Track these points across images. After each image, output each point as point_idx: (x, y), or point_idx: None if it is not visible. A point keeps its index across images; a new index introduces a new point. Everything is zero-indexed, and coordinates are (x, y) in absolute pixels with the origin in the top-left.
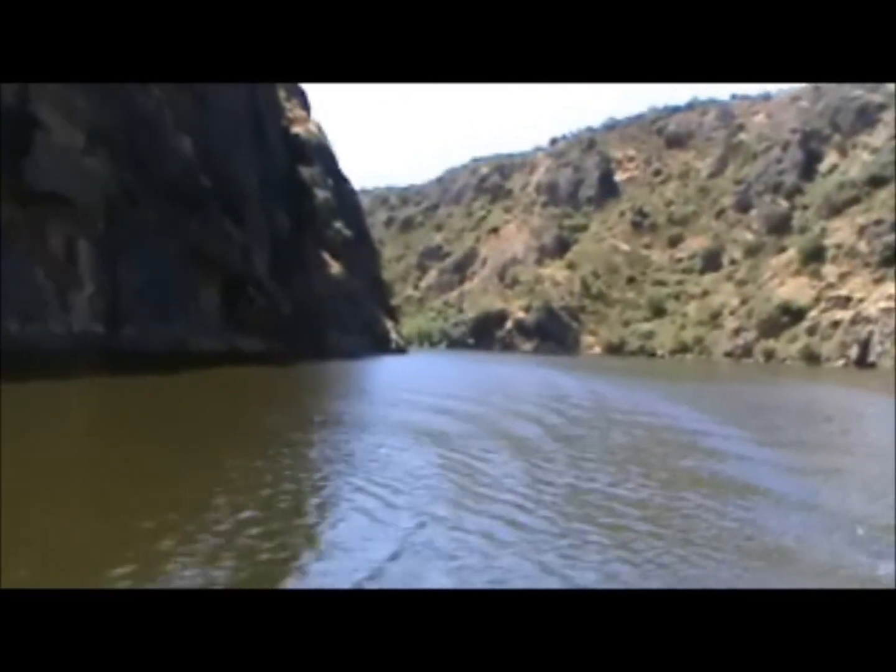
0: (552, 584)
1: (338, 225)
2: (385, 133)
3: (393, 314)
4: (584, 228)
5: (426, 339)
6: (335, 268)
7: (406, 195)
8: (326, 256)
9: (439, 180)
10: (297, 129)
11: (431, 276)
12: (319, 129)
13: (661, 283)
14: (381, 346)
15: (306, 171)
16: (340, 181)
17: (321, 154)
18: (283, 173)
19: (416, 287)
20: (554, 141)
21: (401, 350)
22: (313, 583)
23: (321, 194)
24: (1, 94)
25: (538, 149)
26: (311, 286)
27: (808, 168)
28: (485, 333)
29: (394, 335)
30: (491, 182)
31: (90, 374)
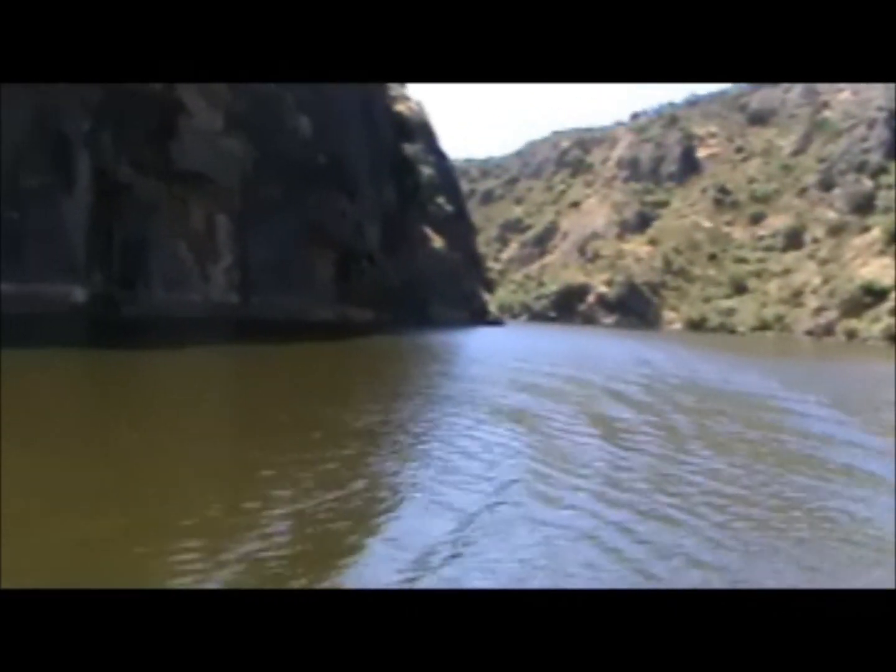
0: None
1: (440, 200)
2: (464, 105)
3: (489, 287)
4: (665, 204)
5: (507, 312)
6: (437, 242)
7: (486, 168)
8: (429, 231)
9: (519, 153)
10: (399, 108)
11: (512, 248)
12: (420, 106)
13: (743, 260)
14: (479, 317)
15: (410, 149)
16: (440, 158)
17: (422, 131)
18: (389, 151)
19: (496, 259)
20: (635, 116)
21: (497, 322)
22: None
23: (425, 171)
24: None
25: (619, 123)
26: (415, 260)
27: (895, 147)
28: (566, 307)
29: (491, 307)
30: (571, 156)
31: (224, 341)
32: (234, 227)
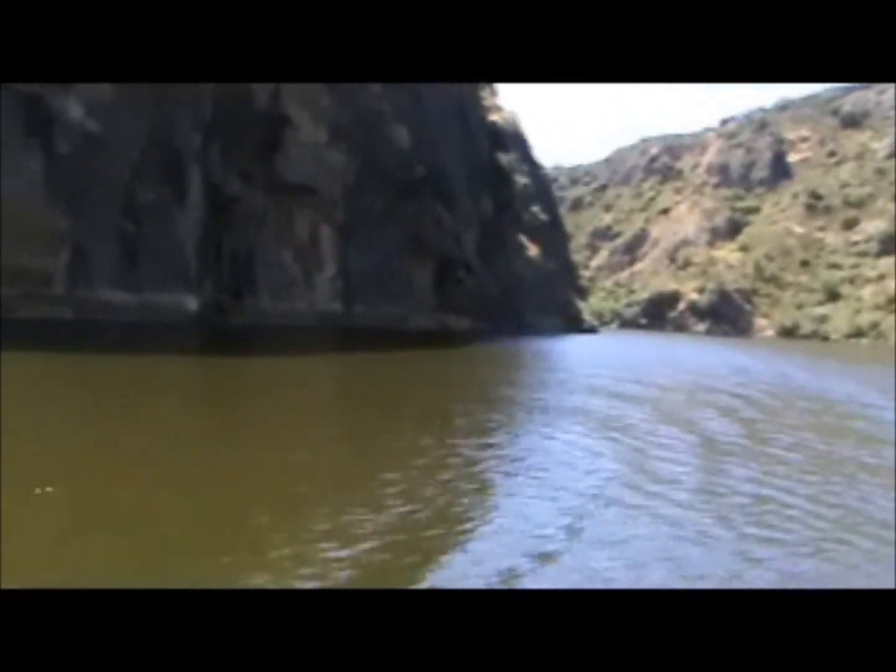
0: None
1: (534, 209)
2: (552, 113)
3: (583, 294)
4: (756, 210)
5: (597, 319)
6: (532, 250)
7: (574, 175)
8: (524, 239)
9: (608, 161)
10: (494, 118)
11: (602, 256)
12: (514, 116)
13: (836, 266)
14: (573, 324)
15: (504, 158)
16: (533, 166)
17: (516, 140)
18: (484, 160)
19: (586, 267)
20: (725, 121)
21: (591, 329)
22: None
23: (521, 180)
24: (256, 96)
25: (708, 129)
26: (511, 268)
27: None
28: (657, 314)
29: (585, 315)
30: (660, 162)
31: (331, 349)
32: (338, 237)
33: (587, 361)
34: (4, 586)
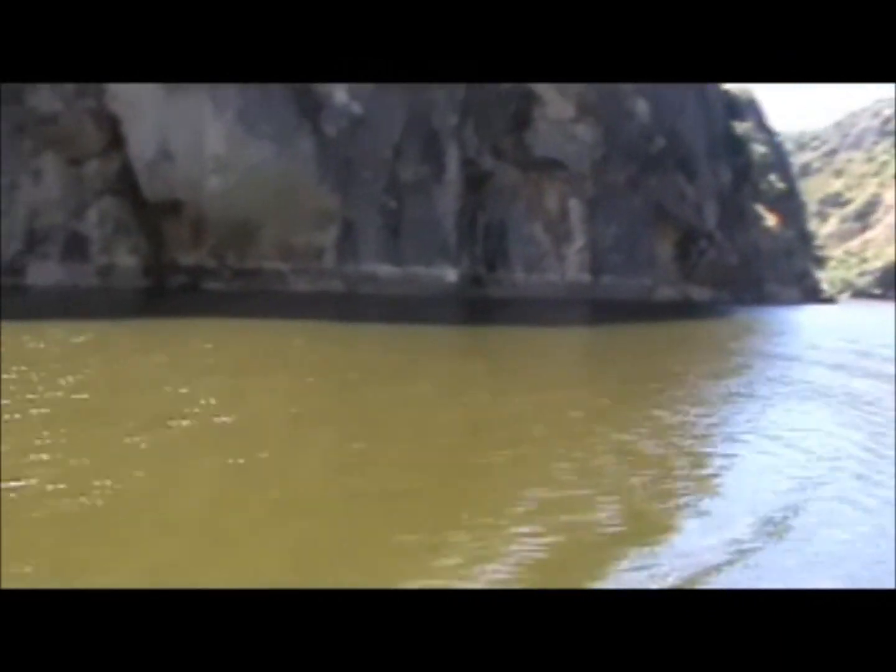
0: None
1: (771, 178)
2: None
3: (821, 265)
4: None
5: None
6: (770, 220)
7: (802, 141)
8: (761, 209)
9: (837, 124)
10: (728, 86)
11: (831, 224)
12: (748, 84)
13: None
14: (811, 295)
15: (740, 127)
16: (769, 135)
17: (751, 109)
18: (721, 130)
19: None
20: None
21: (830, 300)
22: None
23: (758, 149)
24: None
25: None
26: (749, 238)
27: None
28: (892, 284)
29: (824, 285)
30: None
31: (583, 320)
32: (586, 210)
33: (834, 334)
34: (4, 586)
